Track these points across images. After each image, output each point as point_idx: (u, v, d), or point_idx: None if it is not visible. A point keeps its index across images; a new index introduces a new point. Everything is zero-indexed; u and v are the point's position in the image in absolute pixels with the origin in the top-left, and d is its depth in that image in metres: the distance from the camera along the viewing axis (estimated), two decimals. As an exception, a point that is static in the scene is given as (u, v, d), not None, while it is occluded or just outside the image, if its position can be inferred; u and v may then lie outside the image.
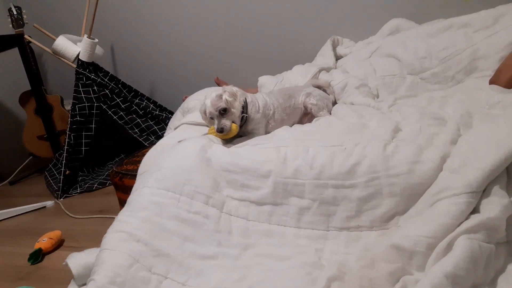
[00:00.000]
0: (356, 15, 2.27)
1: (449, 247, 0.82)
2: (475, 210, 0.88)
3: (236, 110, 1.33)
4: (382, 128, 1.20)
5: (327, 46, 2.17)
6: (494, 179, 0.90)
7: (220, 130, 1.31)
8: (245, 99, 1.40)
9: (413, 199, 1.01)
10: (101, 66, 2.65)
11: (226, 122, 1.31)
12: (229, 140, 1.38)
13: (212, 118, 1.35)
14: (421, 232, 0.86)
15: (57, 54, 2.54)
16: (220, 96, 1.32)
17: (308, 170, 1.11)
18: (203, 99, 1.38)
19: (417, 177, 1.01)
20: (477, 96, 1.37)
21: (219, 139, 1.36)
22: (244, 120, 1.40)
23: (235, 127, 1.33)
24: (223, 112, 1.31)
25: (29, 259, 1.55)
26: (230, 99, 1.32)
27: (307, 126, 1.48)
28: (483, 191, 0.89)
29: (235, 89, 1.37)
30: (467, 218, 0.86)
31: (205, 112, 1.37)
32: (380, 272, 0.87)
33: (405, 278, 0.84)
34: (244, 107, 1.40)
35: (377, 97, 1.73)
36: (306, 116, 1.63)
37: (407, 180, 1.01)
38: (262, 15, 2.52)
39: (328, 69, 1.99)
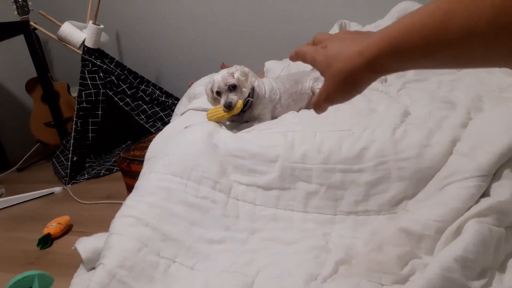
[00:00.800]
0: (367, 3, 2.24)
1: (458, 231, 0.81)
2: (485, 194, 0.87)
3: (246, 89, 1.33)
4: (390, 112, 1.19)
5: (335, 30, 2.14)
6: (505, 162, 0.89)
7: (228, 105, 1.29)
8: (254, 83, 1.39)
9: (422, 183, 1.00)
10: (106, 52, 2.64)
11: (234, 97, 1.30)
12: (235, 125, 1.38)
13: (218, 95, 1.33)
14: (430, 216, 0.86)
15: (62, 40, 2.53)
16: (231, 74, 1.32)
17: (315, 155, 1.10)
18: (212, 77, 1.37)
19: (426, 160, 1.00)
20: (487, 79, 1.34)
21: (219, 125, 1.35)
22: (249, 105, 1.39)
23: (240, 103, 1.32)
24: (232, 88, 1.30)
25: (38, 244, 1.56)
26: (242, 77, 1.31)
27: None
28: (494, 175, 0.88)
29: (247, 69, 1.36)
30: (477, 202, 0.85)
31: (211, 89, 1.35)
32: (388, 256, 0.86)
33: (413, 261, 0.84)
34: (251, 92, 1.39)
35: (385, 81, 1.71)
36: (314, 101, 1.61)
37: (416, 164, 1.00)
38: (270, 1, 2.48)
39: (335, 54, 1.96)
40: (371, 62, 0.49)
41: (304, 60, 0.62)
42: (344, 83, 0.54)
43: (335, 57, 0.54)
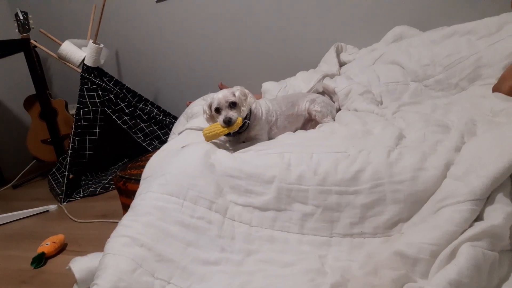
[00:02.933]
0: (360, 22, 2.28)
1: (452, 255, 0.81)
2: (479, 218, 0.88)
3: (245, 109, 1.35)
4: (386, 134, 1.21)
5: (331, 52, 2.18)
6: (498, 186, 0.90)
7: (228, 120, 1.30)
8: (252, 104, 1.41)
9: (417, 206, 1.00)
10: (106, 71, 2.66)
11: (234, 114, 1.31)
12: (232, 146, 1.39)
13: (217, 112, 1.34)
14: (424, 239, 0.86)
15: (62, 58, 2.56)
16: (232, 92, 1.34)
17: (312, 176, 1.11)
18: (210, 96, 1.39)
19: (421, 184, 1.01)
20: (481, 103, 1.37)
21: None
22: (246, 126, 1.40)
23: (240, 120, 1.33)
24: (232, 105, 1.32)
25: (32, 263, 1.55)
26: (242, 97, 1.34)
27: (310, 132, 1.48)
28: (487, 199, 0.89)
29: (246, 90, 1.39)
30: (471, 226, 0.86)
31: (210, 106, 1.37)
32: (384, 279, 0.86)
33: (408, 285, 0.84)
34: (248, 114, 1.40)
35: (381, 103, 1.74)
36: (310, 122, 1.63)
37: (411, 187, 1.01)
38: (267, 22, 2.53)
39: (332, 76, 2.00)
40: None
41: None
42: None
43: None
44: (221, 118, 1.31)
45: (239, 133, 1.42)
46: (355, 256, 1.00)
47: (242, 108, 1.34)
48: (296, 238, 1.09)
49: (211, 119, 1.40)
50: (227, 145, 1.45)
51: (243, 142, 1.45)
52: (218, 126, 1.33)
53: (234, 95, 1.33)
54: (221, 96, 1.33)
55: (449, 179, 0.99)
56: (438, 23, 2.02)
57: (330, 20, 2.35)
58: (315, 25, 2.40)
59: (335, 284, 0.90)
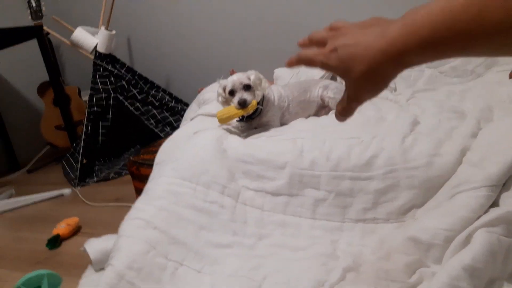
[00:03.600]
0: (374, 7, 2.25)
1: (467, 240, 0.81)
2: (495, 204, 0.87)
3: (259, 92, 1.35)
4: (400, 121, 1.19)
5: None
6: (515, 173, 0.89)
7: (243, 102, 1.30)
8: (266, 89, 1.40)
9: (432, 192, 1.00)
10: (118, 57, 2.67)
11: (248, 96, 1.31)
12: (244, 130, 1.39)
13: (231, 94, 1.34)
14: (439, 225, 0.86)
15: (75, 45, 2.57)
16: (247, 76, 1.34)
17: (324, 162, 1.10)
18: (220, 84, 1.39)
19: (436, 170, 1.00)
20: (497, 90, 1.34)
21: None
22: (259, 111, 1.40)
23: (255, 103, 1.32)
24: (247, 88, 1.32)
25: (47, 245, 1.58)
26: (257, 81, 1.34)
27: (323, 119, 1.48)
28: (503, 185, 0.88)
29: (261, 75, 1.38)
30: (486, 212, 0.85)
31: (224, 89, 1.37)
32: (396, 264, 0.86)
33: (421, 270, 0.83)
34: (261, 100, 1.40)
35: (395, 90, 1.72)
36: (323, 109, 1.62)
37: (426, 173, 1.00)
38: (280, 8, 2.51)
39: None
40: (398, 59, 0.47)
41: (311, 65, 0.58)
42: (371, 83, 0.52)
43: (353, 59, 0.51)
44: (235, 100, 1.31)
45: (252, 119, 1.42)
46: (367, 241, 1.00)
47: (257, 92, 1.34)
48: (308, 223, 1.09)
49: (226, 102, 1.40)
50: (239, 130, 1.45)
51: (255, 128, 1.45)
52: (232, 108, 1.33)
53: (249, 78, 1.33)
54: (235, 79, 1.33)
55: (464, 165, 0.98)
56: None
57: (344, 5, 2.32)
58: (329, 11, 2.37)
59: (347, 268, 0.90)
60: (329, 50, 0.54)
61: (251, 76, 1.34)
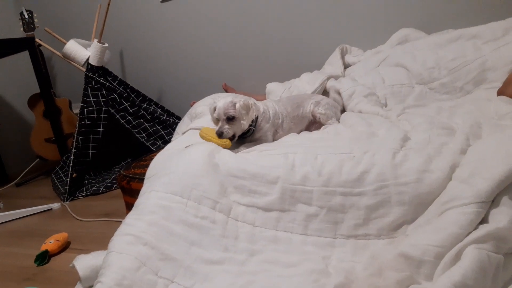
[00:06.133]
0: (365, 24, 2.28)
1: (457, 257, 0.81)
2: (484, 220, 0.88)
3: (245, 122, 1.32)
4: (391, 136, 1.20)
5: (336, 54, 2.18)
6: (504, 189, 0.90)
7: (220, 133, 1.30)
8: (257, 115, 1.39)
9: (422, 208, 1.00)
10: (110, 70, 2.67)
11: (228, 130, 1.30)
12: (237, 146, 1.39)
13: (216, 120, 1.35)
14: (429, 241, 0.86)
15: (67, 57, 2.57)
16: (234, 104, 1.31)
17: (316, 177, 1.11)
18: (216, 99, 1.38)
19: (426, 186, 1.01)
20: (486, 106, 1.37)
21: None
22: (250, 132, 1.40)
23: (229, 143, 1.31)
24: (231, 119, 1.31)
25: (35, 261, 1.55)
26: (243, 111, 1.31)
27: (315, 134, 1.48)
28: (492, 201, 0.89)
29: (251, 101, 1.36)
30: (476, 228, 0.86)
31: (214, 110, 1.35)
32: (388, 281, 0.86)
33: (413, 287, 0.84)
34: (254, 121, 1.39)
35: (386, 106, 1.74)
36: (314, 124, 1.63)
37: (416, 189, 1.01)
38: (272, 23, 2.53)
39: (336, 77, 2.00)
40: None
41: None
42: None
43: None
44: (216, 129, 1.31)
45: (244, 138, 1.42)
46: (359, 257, 1.00)
47: (242, 121, 1.32)
48: (300, 239, 1.09)
49: (215, 122, 1.39)
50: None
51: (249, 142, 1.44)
52: (214, 134, 1.32)
53: (234, 107, 1.31)
54: (221, 107, 1.31)
55: (454, 182, 0.99)
56: (444, 26, 2.02)
57: (335, 22, 2.35)
58: (320, 27, 2.40)
59: (339, 285, 0.90)
60: None
61: (237, 104, 1.31)
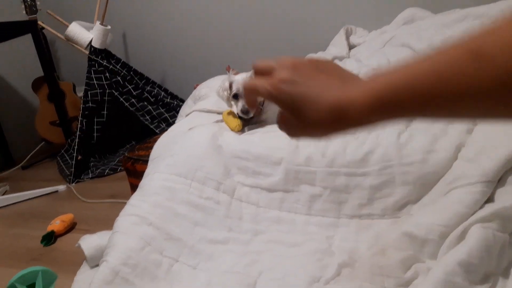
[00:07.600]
0: (370, 4, 2.25)
1: (462, 236, 0.81)
2: (490, 200, 0.87)
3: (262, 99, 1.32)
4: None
5: (340, 35, 2.15)
6: (510, 168, 0.89)
7: (246, 111, 1.27)
8: None
9: (427, 188, 1.00)
10: (113, 53, 2.65)
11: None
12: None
13: (235, 97, 1.31)
14: (434, 220, 0.86)
15: (70, 40, 2.55)
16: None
17: (320, 158, 1.10)
18: (228, 77, 1.34)
19: (431, 166, 1.00)
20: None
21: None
22: (259, 111, 1.39)
23: (240, 125, 1.30)
24: None
25: (41, 241, 1.57)
26: None
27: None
28: (498, 181, 0.88)
29: None
30: (481, 207, 0.85)
31: (231, 85, 1.30)
32: (391, 260, 0.86)
33: (417, 265, 0.84)
34: (261, 101, 1.38)
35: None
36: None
37: (421, 169, 1.00)
38: (275, 4, 2.50)
39: (341, 58, 1.97)
40: (353, 119, 0.44)
41: (255, 93, 0.51)
42: (312, 132, 0.48)
43: (304, 101, 0.45)
44: (239, 107, 1.27)
45: (251, 118, 1.40)
46: (362, 237, 1.00)
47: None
48: (304, 219, 1.09)
49: (227, 99, 1.36)
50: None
51: (254, 123, 1.43)
52: (232, 121, 1.30)
53: None
54: (241, 81, 1.26)
55: (460, 161, 0.98)
56: (451, 5, 1.97)
57: (340, 2, 2.31)
58: (325, 7, 2.37)
59: (342, 264, 0.90)
60: (279, 80, 0.47)
61: None
